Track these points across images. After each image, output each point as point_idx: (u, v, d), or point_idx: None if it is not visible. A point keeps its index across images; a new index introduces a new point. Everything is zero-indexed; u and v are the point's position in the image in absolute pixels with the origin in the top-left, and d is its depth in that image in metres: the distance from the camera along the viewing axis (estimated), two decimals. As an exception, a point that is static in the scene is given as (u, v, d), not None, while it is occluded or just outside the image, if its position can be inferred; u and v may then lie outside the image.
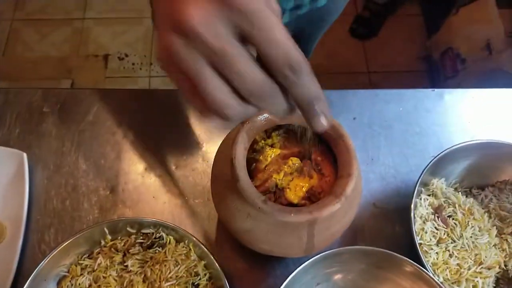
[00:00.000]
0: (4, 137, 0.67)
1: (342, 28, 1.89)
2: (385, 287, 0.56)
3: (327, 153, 0.54)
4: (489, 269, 0.57)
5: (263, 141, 0.54)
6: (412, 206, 0.56)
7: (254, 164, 0.54)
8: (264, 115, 0.50)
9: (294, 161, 0.52)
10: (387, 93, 0.75)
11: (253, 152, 0.54)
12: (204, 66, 0.27)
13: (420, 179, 0.58)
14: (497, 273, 0.58)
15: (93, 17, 1.88)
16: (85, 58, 1.80)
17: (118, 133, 0.69)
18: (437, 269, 0.56)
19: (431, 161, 0.59)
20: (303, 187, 0.52)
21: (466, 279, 0.56)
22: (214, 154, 0.55)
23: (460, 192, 0.62)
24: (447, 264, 0.56)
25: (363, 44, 1.89)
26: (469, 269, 0.56)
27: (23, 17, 1.88)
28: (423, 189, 0.61)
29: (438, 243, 0.57)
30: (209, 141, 0.69)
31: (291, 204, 0.51)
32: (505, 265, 0.59)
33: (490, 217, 0.61)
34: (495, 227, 0.60)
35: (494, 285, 0.58)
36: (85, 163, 0.66)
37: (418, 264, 0.52)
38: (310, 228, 0.48)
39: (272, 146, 0.54)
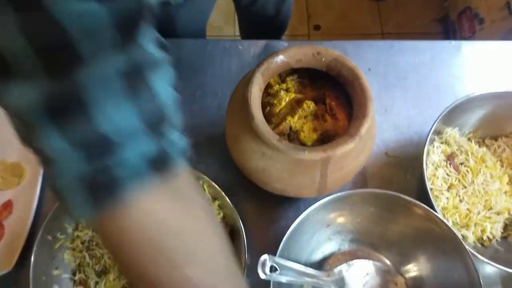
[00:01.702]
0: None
1: (356, -11, 1.83)
2: (394, 228, 0.57)
3: (342, 98, 0.54)
4: (498, 214, 0.57)
5: (277, 86, 0.55)
6: (425, 152, 0.56)
7: (269, 108, 0.54)
8: (280, 57, 0.50)
9: (309, 104, 0.53)
10: (403, 44, 0.73)
11: (268, 96, 0.55)
12: None
13: (433, 127, 0.58)
14: (506, 219, 0.59)
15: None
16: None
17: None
18: (447, 213, 0.57)
19: (445, 109, 0.58)
20: (317, 130, 0.53)
21: (475, 224, 0.57)
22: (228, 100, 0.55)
23: (473, 142, 0.63)
24: (456, 208, 0.57)
25: (377, 5, 1.83)
26: (478, 213, 0.57)
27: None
28: (436, 137, 0.61)
29: (449, 188, 0.58)
30: (225, 87, 0.69)
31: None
32: (514, 212, 0.59)
33: (502, 165, 0.61)
34: (506, 175, 0.60)
35: (502, 231, 0.59)
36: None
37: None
38: (323, 167, 0.49)
39: (286, 90, 0.55)
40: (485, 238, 0.58)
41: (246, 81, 0.50)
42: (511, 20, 1.39)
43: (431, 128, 0.58)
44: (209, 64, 0.71)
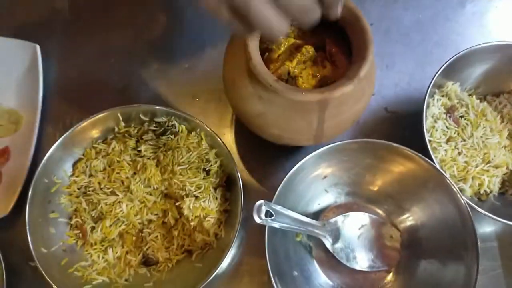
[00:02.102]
0: (17, 31, 0.67)
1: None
2: (390, 180, 0.57)
3: (342, 46, 0.53)
4: (496, 168, 0.57)
5: (277, 30, 0.53)
6: (425, 104, 0.56)
7: (267, 53, 0.53)
8: None
9: (308, 49, 0.52)
10: (406, 0, 0.72)
11: (267, 42, 0.54)
12: None
13: (434, 80, 0.57)
14: (504, 174, 0.59)
15: None
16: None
17: (131, 32, 0.68)
18: (445, 165, 0.56)
19: (446, 61, 0.57)
20: (316, 76, 0.52)
21: (473, 177, 0.56)
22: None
23: (474, 97, 0.62)
24: (455, 161, 0.56)
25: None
26: (476, 166, 0.56)
27: None
28: (436, 90, 0.60)
29: (447, 141, 0.57)
30: (221, 43, 0.68)
31: (303, 92, 0.51)
32: (513, 167, 0.59)
33: (502, 120, 0.61)
34: (506, 129, 0.59)
35: (500, 186, 0.59)
36: (97, 60, 0.67)
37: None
38: (320, 112, 0.48)
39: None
40: (482, 192, 0.57)
41: (244, 23, 0.48)
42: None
43: (431, 81, 0.57)
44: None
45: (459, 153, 0.57)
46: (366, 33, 0.47)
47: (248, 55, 0.46)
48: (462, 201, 0.50)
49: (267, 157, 0.62)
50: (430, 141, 0.57)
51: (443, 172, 0.52)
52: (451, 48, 0.69)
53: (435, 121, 0.58)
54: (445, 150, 0.56)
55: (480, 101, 0.62)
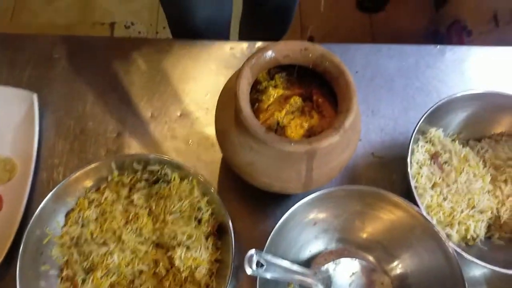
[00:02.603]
0: (15, 80, 0.69)
1: (348, 1, 1.88)
2: (379, 226, 0.58)
3: (329, 96, 0.55)
4: (481, 212, 0.58)
5: (266, 82, 0.56)
6: (409, 151, 0.58)
7: (257, 104, 0.55)
8: (268, 52, 0.51)
9: (296, 100, 0.54)
10: (390, 48, 0.76)
11: (257, 93, 0.56)
12: None
13: (417, 127, 0.59)
14: (489, 218, 0.60)
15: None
16: (91, 26, 1.80)
17: (125, 80, 0.71)
18: (431, 211, 0.58)
19: (429, 109, 0.60)
20: (303, 126, 0.54)
21: (459, 222, 0.58)
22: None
23: (457, 142, 0.64)
24: (440, 206, 0.58)
25: (369, 18, 1.88)
26: (462, 212, 0.58)
27: (30, -17, 1.88)
28: (420, 136, 0.63)
29: (433, 187, 0.59)
30: (214, 91, 0.71)
31: (291, 141, 0.53)
32: (498, 211, 0.60)
33: (485, 165, 0.63)
34: (489, 174, 0.61)
35: (486, 231, 0.60)
36: (92, 108, 0.68)
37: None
38: (309, 161, 0.50)
39: (275, 87, 0.56)
40: (469, 237, 0.59)
41: (235, 77, 0.51)
42: (498, 32, 1.43)
43: (415, 128, 0.59)
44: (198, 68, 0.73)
45: (445, 199, 0.58)
46: (349, 86, 0.50)
47: (238, 107, 0.48)
48: (449, 248, 0.51)
49: (258, 204, 0.63)
50: (416, 187, 0.58)
51: (429, 219, 0.53)
52: (433, 93, 0.73)
53: (420, 167, 0.60)
54: (431, 195, 0.58)
55: (463, 146, 0.64)
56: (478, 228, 0.58)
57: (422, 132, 0.63)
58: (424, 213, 0.54)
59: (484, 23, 1.49)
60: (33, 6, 1.85)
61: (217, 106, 0.56)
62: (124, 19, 1.82)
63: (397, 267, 0.59)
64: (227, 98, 0.53)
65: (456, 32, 1.60)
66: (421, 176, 0.59)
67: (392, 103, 0.72)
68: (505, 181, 0.61)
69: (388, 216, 0.57)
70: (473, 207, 0.58)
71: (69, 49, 0.72)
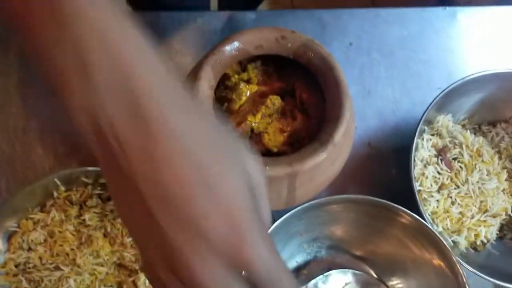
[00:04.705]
0: None
1: None
2: (376, 235, 0.51)
3: (314, 90, 0.45)
4: (494, 217, 0.50)
5: (236, 76, 0.45)
6: (413, 147, 0.48)
7: (226, 104, 0.45)
8: (235, 44, 0.40)
9: (274, 100, 0.43)
10: (390, 13, 0.63)
11: (225, 89, 0.45)
12: None
13: (424, 117, 0.49)
14: (503, 219, 0.52)
15: None
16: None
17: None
18: (437, 218, 0.50)
19: (437, 95, 0.50)
20: (284, 131, 0.44)
21: (468, 229, 0.50)
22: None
23: (468, 130, 0.54)
24: (448, 212, 0.49)
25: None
26: (472, 217, 0.50)
27: None
28: (426, 127, 0.53)
29: (439, 189, 0.50)
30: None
31: (270, 152, 0.43)
32: (512, 211, 0.52)
33: (500, 158, 0.53)
34: (505, 170, 0.52)
35: (498, 232, 0.52)
36: (35, 103, 0.57)
37: (416, 213, 0.45)
38: (290, 181, 0.40)
39: (247, 81, 0.45)
40: (478, 243, 0.51)
41: (193, 76, 0.40)
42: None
43: (421, 118, 0.49)
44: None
45: (453, 203, 0.50)
46: (340, 86, 0.39)
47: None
48: (454, 259, 0.44)
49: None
50: (419, 191, 0.50)
51: (434, 229, 0.45)
52: (441, 68, 0.61)
53: (425, 166, 0.50)
54: (437, 200, 0.49)
55: (475, 134, 0.55)
56: (489, 233, 0.51)
57: (428, 122, 0.53)
58: (429, 222, 0.47)
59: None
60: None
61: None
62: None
63: (396, 281, 0.52)
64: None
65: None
66: (426, 178, 0.50)
67: (393, 82, 0.60)
68: (522, 176, 0.52)
69: (385, 225, 0.49)
70: (486, 211, 0.50)
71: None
